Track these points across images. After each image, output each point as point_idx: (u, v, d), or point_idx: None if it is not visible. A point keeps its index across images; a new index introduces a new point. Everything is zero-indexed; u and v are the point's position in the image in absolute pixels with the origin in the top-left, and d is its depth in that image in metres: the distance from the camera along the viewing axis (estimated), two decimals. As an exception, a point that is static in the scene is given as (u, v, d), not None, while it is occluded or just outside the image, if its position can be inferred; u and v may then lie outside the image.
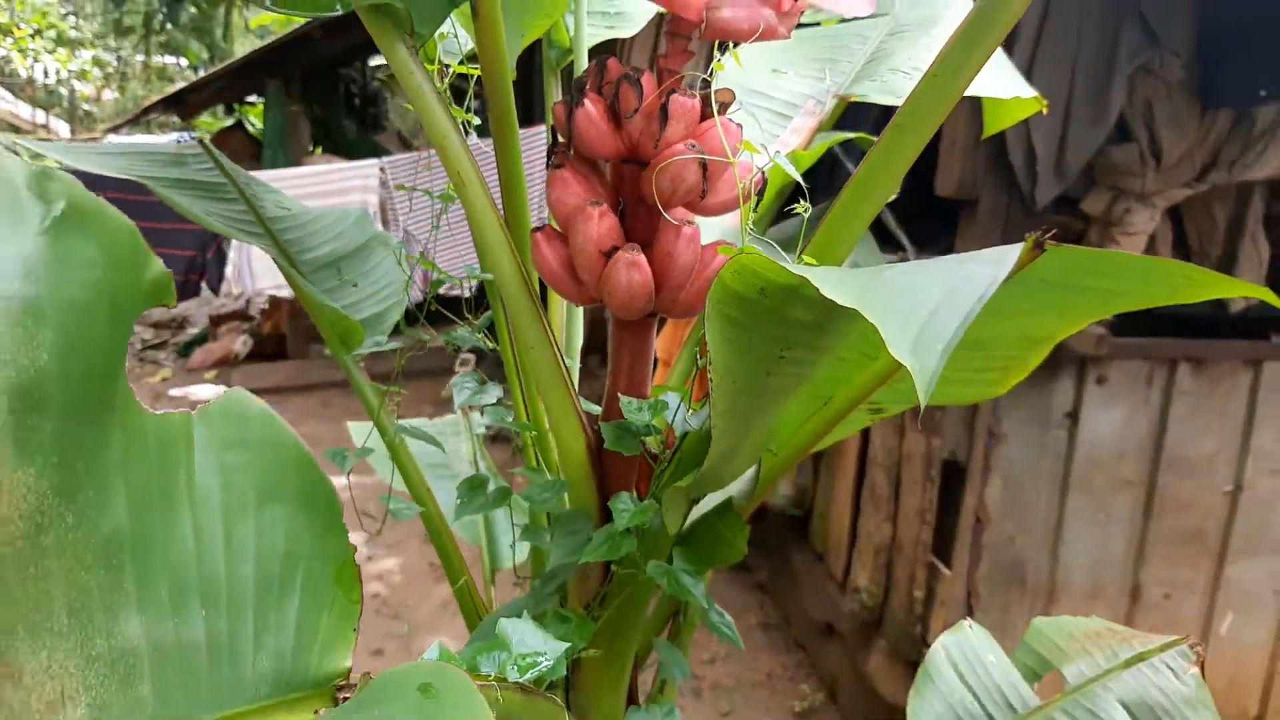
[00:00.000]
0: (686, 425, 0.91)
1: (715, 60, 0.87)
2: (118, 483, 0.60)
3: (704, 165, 0.87)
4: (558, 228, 0.93)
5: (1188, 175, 3.23)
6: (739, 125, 0.92)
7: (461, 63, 1.10)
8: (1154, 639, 1.22)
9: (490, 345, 1.16)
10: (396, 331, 1.35)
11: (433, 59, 1.02)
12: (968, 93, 1.47)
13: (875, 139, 0.88)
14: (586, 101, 0.88)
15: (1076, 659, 1.22)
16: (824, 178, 4.17)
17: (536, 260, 0.93)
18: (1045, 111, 1.87)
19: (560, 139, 0.93)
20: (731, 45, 0.88)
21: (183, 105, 8.38)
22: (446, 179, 0.97)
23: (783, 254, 0.81)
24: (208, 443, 0.67)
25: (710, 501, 1.06)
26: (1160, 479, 3.51)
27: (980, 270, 0.77)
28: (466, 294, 1.15)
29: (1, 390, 0.53)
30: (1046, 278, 0.92)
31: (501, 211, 0.98)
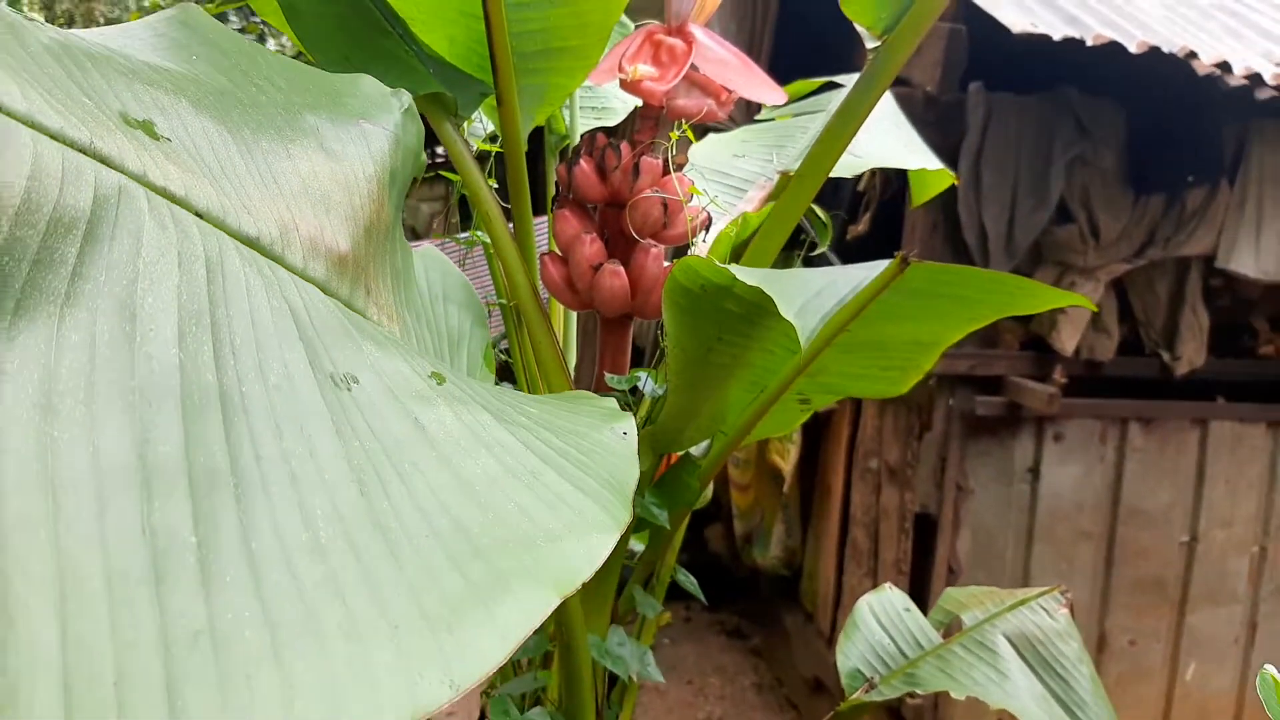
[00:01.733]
0: (654, 392, 1.24)
1: (673, 133, 1.24)
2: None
3: (665, 205, 1.23)
4: (559, 252, 1.29)
5: (1126, 252, 3.62)
6: (690, 179, 1.28)
7: (485, 140, 1.47)
8: (1034, 590, 1.52)
9: (504, 356, 1.50)
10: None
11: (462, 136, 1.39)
12: (882, 164, 1.86)
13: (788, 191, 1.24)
14: (581, 161, 1.24)
15: (973, 609, 1.52)
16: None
17: (544, 277, 1.28)
18: (957, 183, 2.24)
19: (560, 190, 1.29)
20: (684, 122, 1.25)
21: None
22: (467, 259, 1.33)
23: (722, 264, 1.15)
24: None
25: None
26: (1119, 530, 3.79)
27: (858, 273, 1.11)
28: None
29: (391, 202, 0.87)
30: (918, 287, 1.26)
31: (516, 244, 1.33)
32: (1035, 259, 3.66)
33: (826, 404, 1.52)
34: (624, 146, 1.25)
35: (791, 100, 2.25)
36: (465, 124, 1.29)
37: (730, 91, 1.29)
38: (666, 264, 1.27)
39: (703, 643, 5.15)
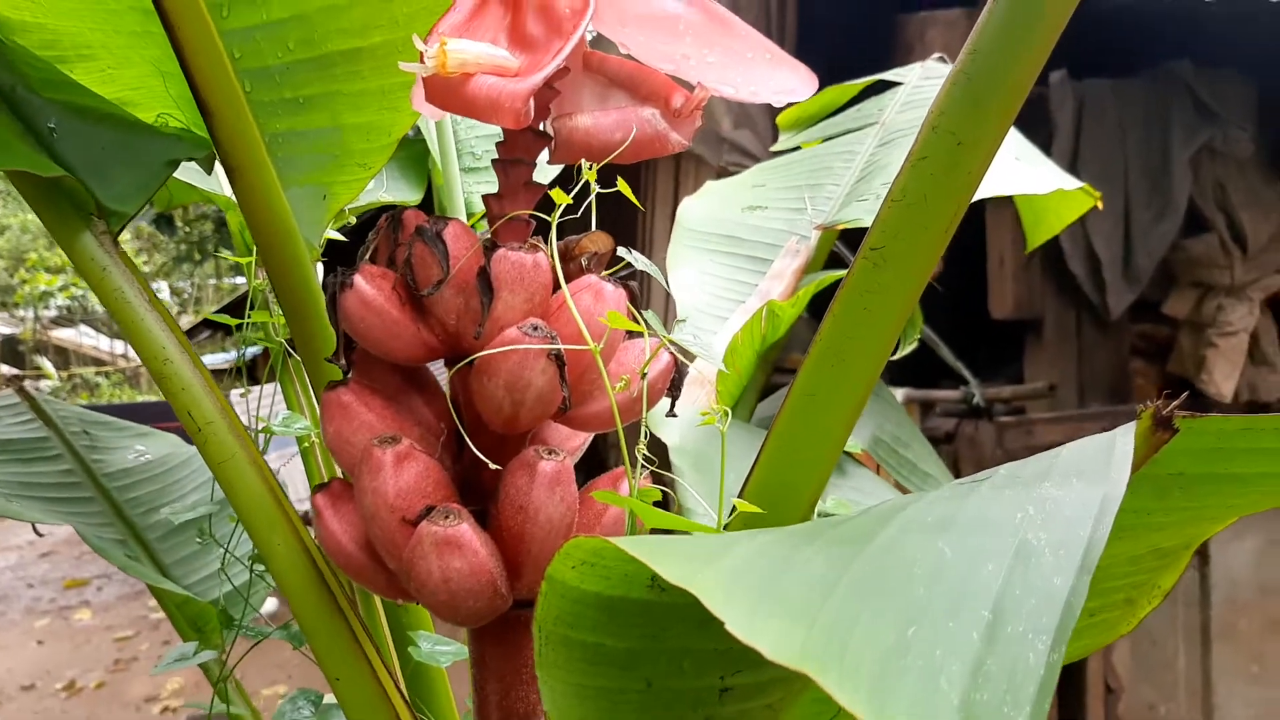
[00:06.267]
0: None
1: (558, 192, 0.53)
2: None
3: (559, 359, 0.52)
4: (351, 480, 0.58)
5: (1281, 260, 2.81)
6: (622, 286, 0.57)
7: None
8: None
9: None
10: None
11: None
12: (997, 192, 1.14)
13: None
14: (357, 279, 0.54)
15: None
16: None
17: (321, 538, 0.58)
18: (1100, 206, 1.51)
19: (340, 342, 0.59)
20: (588, 166, 0.54)
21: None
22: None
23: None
24: None
25: None
26: (1323, 615, 2.94)
27: (1069, 510, 0.39)
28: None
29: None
30: (1183, 470, 0.54)
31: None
32: (1166, 283, 2.87)
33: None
34: (452, 231, 0.55)
35: (819, 118, 1.54)
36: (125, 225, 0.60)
37: (693, 89, 0.59)
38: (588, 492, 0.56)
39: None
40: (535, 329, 0.52)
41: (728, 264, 1.23)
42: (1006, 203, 3.01)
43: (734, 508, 0.52)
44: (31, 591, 6.61)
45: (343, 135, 0.71)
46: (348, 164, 0.73)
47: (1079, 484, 0.42)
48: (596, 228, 0.60)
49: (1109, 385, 2.93)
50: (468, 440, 0.55)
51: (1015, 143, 1.30)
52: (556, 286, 0.55)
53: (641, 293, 0.57)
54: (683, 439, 1.03)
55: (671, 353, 0.58)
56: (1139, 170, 2.78)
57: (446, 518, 0.51)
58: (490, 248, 0.54)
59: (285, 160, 0.70)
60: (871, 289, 0.47)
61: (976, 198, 1.12)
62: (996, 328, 3.07)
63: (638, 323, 0.53)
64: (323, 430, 0.57)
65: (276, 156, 0.69)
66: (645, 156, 0.59)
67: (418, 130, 1.09)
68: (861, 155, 1.24)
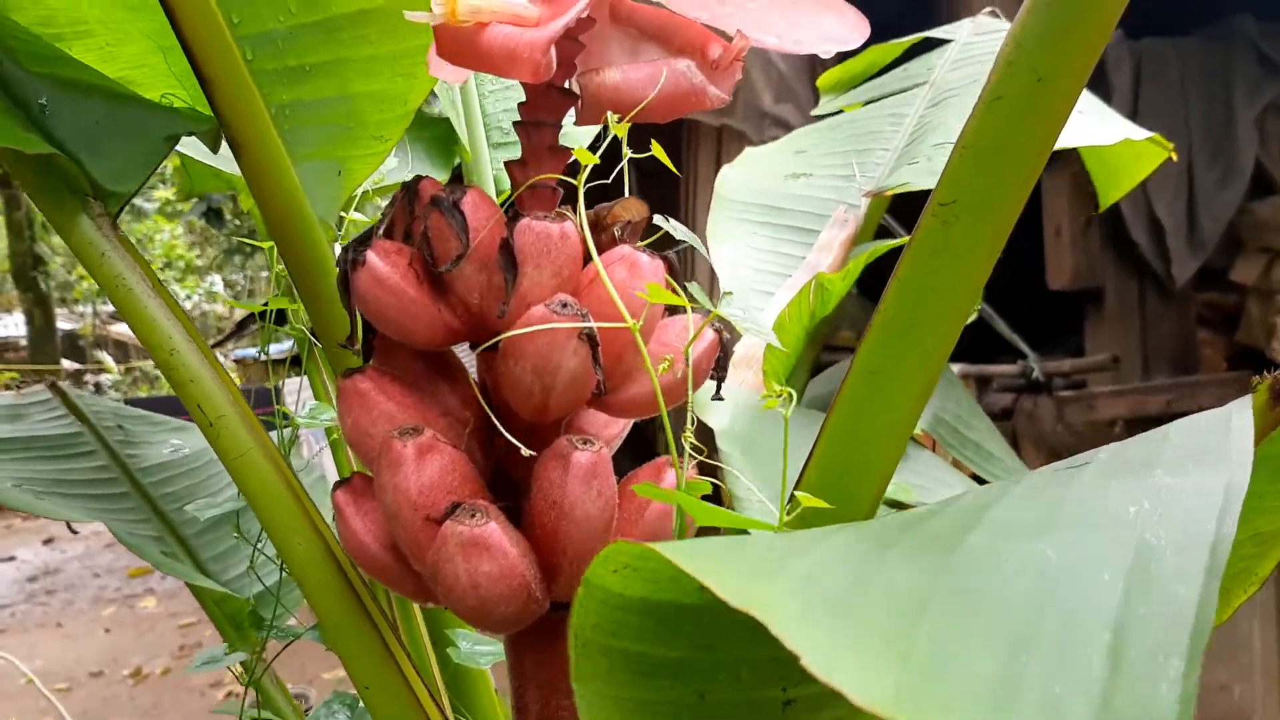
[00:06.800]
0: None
1: (585, 152, 0.48)
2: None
3: (591, 339, 0.47)
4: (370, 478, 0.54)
5: (1358, 220, 2.67)
6: (659, 258, 0.52)
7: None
8: None
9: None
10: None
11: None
12: (1063, 144, 1.06)
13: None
14: (370, 255, 0.50)
15: None
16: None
17: (343, 538, 0.54)
18: (1175, 157, 1.42)
19: (355, 325, 0.54)
20: (615, 119, 0.49)
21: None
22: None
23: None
24: None
25: None
26: None
27: (1188, 502, 0.34)
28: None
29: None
30: None
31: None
32: (1232, 248, 2.75)
33: None
34: (471, 201, 0.50)
35: (862, 79, 1.47)
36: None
37: (731, 39, 0.54)
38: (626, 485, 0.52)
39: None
40: (565, 306, 0.47)
41: (771, 235, 1.17)
42: (1063, 168, 2.90)
43: (793, 498, 0.46)
44: (98, 581, 6.75)
45: (354, 105, 0.67)
46: (361, 136, 0.69)
47: (1196, 470, 0.37)
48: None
49: (1174, 357, 2.81)
50: (499, 426, 0.50)
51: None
52: (588, 259, 0.50)
53: (683, 268, 0.53)
54: (732, 422, 0.98)
55: (716, 329, 0.53)
56: (1202, 132, 2.65)
57: (473, 516, 0.46)
58: (513, 218, 0.49)
59: (293, 133, 0.66)
60: (941, 250, 0.41)
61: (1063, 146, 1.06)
62: (1055, 299, 2.96)
63: (679, 296, 0.47)
64: (340, 422, 0.53)
65: (284, 130, 0.65)
66: (682, 113, 0.54)
67: (443, 111, 1.04)
68: (911, 117, 1.17)
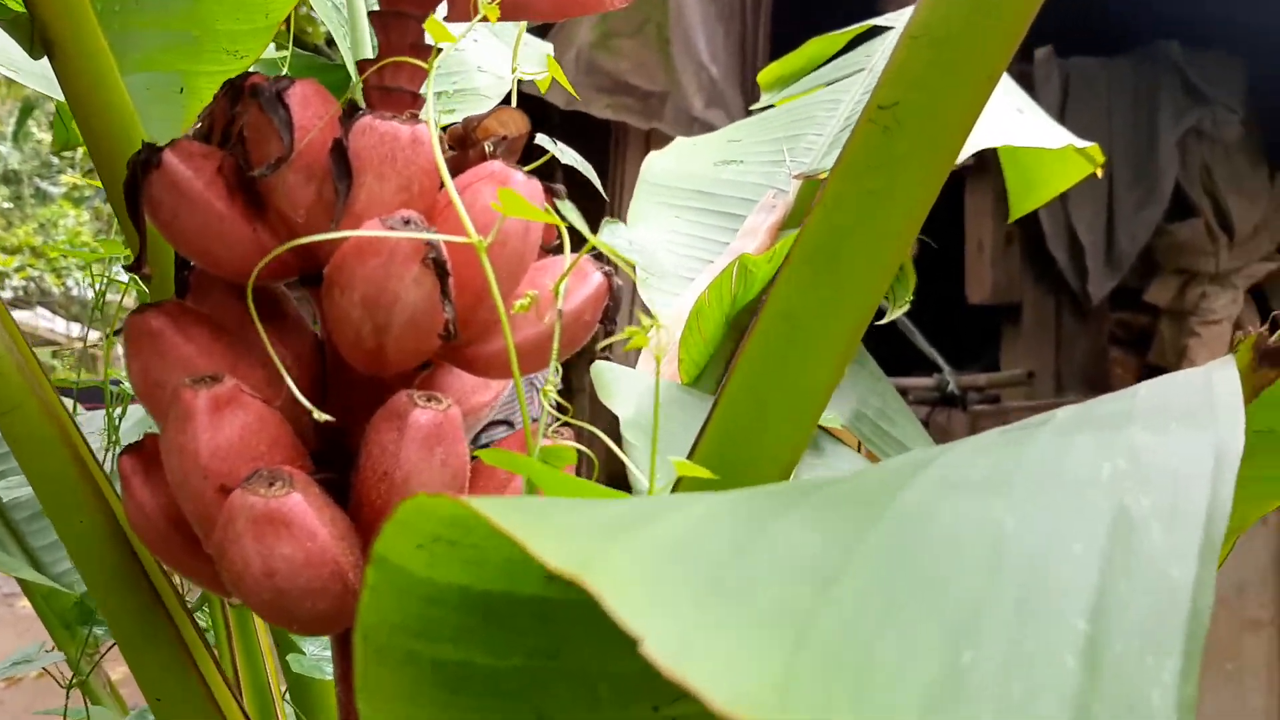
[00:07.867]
0: None
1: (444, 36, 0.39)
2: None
3: (438, 265, 0.37)
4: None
5: (1268, 247, 2.72)
6: (542, 183, 0.42)
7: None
8: None
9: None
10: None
11: None
12: (1003, 143, 1.00)
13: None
14: (167, 155, 0.39)
15: None
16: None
17: (129, 513, 0.43)
18: (1100, 174, 1.38)
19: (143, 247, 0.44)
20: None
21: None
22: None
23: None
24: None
25: None
26: (1300, 615, 2.86)
27: (1174, 463, 0.25)
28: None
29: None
30: (1273, 426, 0.42)
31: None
32: (1148, 269, 2.77)
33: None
34: (298, 92, 0.40)
35: (804, 73, 1.40)
36: None
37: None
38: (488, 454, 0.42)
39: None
40: (406, 224, 0.37)
41: (696, 220, 1.10)
42: (987, 183, 2.90)
43: (679, 479, 0.37)
44: (-30, 579, 6.37)
45: (200, 8, 0.56)
46: (210, 48, 0.58)
47: (1179, 429, 0.29)
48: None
49: (1087, 374, 2.82)
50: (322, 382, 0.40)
51: (1017, 95, 1.17)
52: (454, 171, 0.40)
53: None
54: (638, 412, 0.89)
55: (605, 272, 0.44)
56: (1125, 152, 2.67)
57: (271, 485, 0.36)
58: (350, 115, 0.39)
59: (122, 35, 0.55)
60: (881, 165, 0.33)
61: (975, 148, 0.99)
62: (972, 314, 2.96)
63: (553, 217, 0.38)
64: (127, 369, 0.42)
65: (112, 29, 0.54)
66: (573, 13, 0.45)
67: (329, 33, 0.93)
68: (847, 102, 1.10)
